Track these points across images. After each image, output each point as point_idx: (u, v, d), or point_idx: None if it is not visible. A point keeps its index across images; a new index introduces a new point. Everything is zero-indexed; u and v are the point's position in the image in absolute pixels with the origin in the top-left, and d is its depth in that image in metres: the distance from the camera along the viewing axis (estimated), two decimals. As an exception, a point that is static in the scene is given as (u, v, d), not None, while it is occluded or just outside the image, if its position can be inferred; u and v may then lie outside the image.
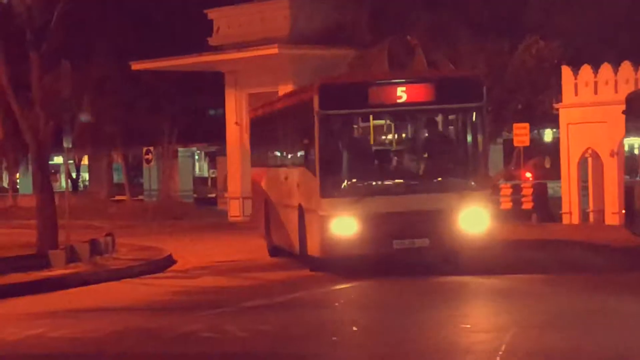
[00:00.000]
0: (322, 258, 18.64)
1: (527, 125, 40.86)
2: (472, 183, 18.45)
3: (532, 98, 41.87)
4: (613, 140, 33.89)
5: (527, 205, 38.72)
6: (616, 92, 34.50)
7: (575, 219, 37.17)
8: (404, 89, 18.08)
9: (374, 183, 18.82)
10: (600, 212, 36.20)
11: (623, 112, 27.97)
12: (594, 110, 36.12)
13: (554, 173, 41.85)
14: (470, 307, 15.81)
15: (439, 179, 18.80)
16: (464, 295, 16.71)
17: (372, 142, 20.56)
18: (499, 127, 43.95)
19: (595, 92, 36.23)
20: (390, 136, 20.94)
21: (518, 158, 43.71)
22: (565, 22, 41.86)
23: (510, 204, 39.25)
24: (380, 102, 18.67)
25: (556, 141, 43.22)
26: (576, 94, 37.28)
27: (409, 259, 19.45)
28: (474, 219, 17.88)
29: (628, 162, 31.07)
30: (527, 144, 41.88)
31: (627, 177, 29.88)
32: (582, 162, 37.46)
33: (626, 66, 35.19)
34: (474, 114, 18.68)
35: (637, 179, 28.21)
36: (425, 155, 19.12)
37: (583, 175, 37.67)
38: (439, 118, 20.08)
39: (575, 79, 37.18)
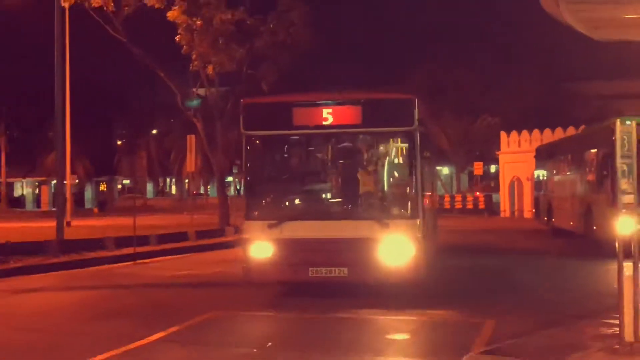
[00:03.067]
0: (246, 281, 13.92)
1: (481, 163, 50.52)
2: (399, 211, 13.41)
3: (485, 148, 51.32)
4: (528, 172, 38.78)
5: (481, 206, 46.84)
6: (530, 144, 40.88)
7: (507, 214, 44.89)
8: (329, 110, 13.40)
9: (293, 207, 14.23)
10: (521, 211, 43.34)
11: (534, 157, 34.35)
12: (518, 155, 42.83)
13: (497, 189, 48.77)
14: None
15: (362, 205, 13.89)
16: (353, 337, 10.74)
17: (295, 165, 14.86)
18: (467, 164, 53.38)
19: (519, 145, 43.53)
20: (315, 160, 14.95)
21: (476, 181, 52.02)
22: (502, 105, 49.18)
23: (472, 205, 47.54)
24: (304, 123, 13.72)
25: (497, 172, 49.38)
26: (508, 146, 45.01)
27: (327, 288, 13.54)
28: (396, 249, 12.77)
29: (536, 184, 35.01)
30: (481, 173, 50.99)
31: (536, 192, 34.90)
32: (512, 183, 44.70)
33: (536, 131, 42.34)
34: (405, 138, 13.63)
35: (541, 193, 32.70)
36: (350, 180, 14.05)
37: (512, 191, 44.94)
38: (367, 142, 14.56)
39: (508, 138, 44.91)
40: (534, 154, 35.26)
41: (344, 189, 14.08)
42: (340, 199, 14.13)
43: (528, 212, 40.56)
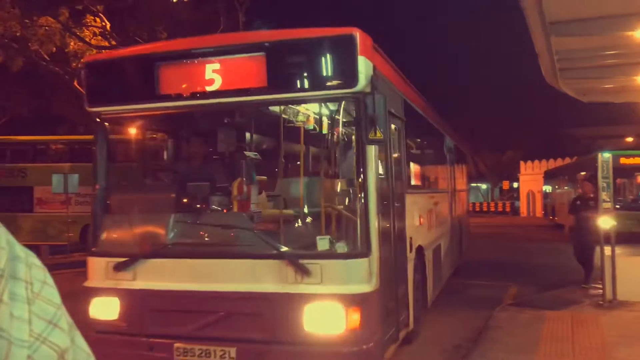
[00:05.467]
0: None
1: (508, 181, 48.49)
2: (333, 244, 4.43)
3: (511, 172, 48.07)
4: (539, 187, 38.27)
5: (508, 209, 44.82)
6: (540, 169, 39.35)
7: (525, 214, 42.79)
8: (215, 66, 4.55)
9: (156, 236, 5.01)
10: (534, 212, 41.41)
11: (542, 177, 35.07)
12: (531, 176, 41.37)
13: (518, 198, 46.54)
14: None
15: (269, 234, 4.82)
16: None
17: (165, 164, 6.17)
18: (499, 182, 50.48)
19: (532, 170, 42.06)
20: (196, 154, 5.75)
21: (504, 193, 49.82)
22: (521, 144, 46.36)
23: (501, 209, 45.21)
24: (175, 91, 4.73)
25: (518, 187, 46.93)
26: (525, 170, 43.37)
27: None
28: (325, 316, 4.27)
29: (544, 195, 35.13)
30: (508, 188, 48.83)
31: (544, 200, 34.96)
32: (528, 194, 43.13)
33: (544, 161, 40.37)
34: (348, 113, 4.88)
35: (548, 200, 32.52)
36: (251, 189, 5.27)
37: (528, 199, 43.31)
38: (280, 122, 5.63)
39: (525, 165, 43.50)
40: (542, 175, 35.43)
41: (242, 205, 5.47)
42: (232, 223, 5.22)
43: (539, 213, 39.06)
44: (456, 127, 14.28)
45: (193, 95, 4.94)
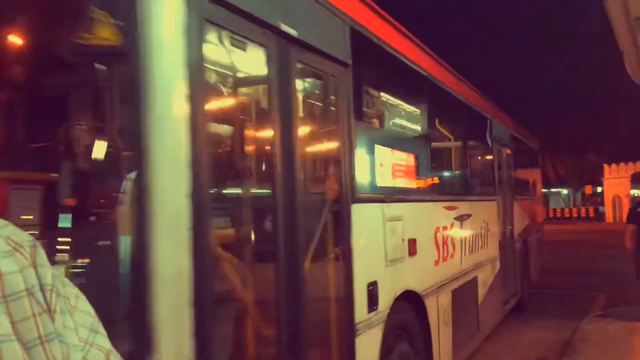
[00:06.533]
0: None
1: (590, 185, 48.30)
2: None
3: (593, 176, 46.56)
4: (625, 191, 37.65)
5: (591, 215, 44.08)
6: (626, 173, 38.29)
7: (611, 220, 40.93)
8: None
9: None
10: (621, 218, 35.75)
11: (629, 181, 34.60)
12: (616, 180, 40.49)
13: (602, 203, 44.83)
14: None
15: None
16: None
17: None
18: (580, 187, 49.55)
19: (618, 173, 40.76)
20: None
21: (587, 198, 49.51)
22: (603, 146, 44.92)
23: (585, 215, 44.42)
24: None
25: (602, 192, 45.60)
26: (609, 174, 42.08)
27: None
28: None
29: (632, 200, 31.08)
30: (590, 192, 48.81)
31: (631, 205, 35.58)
32: (613, 199, 41.73)
33: (630, 164, 39.63)
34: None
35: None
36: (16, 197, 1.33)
37: (614, 204, 41.60)
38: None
39: (609, 168, 42.20)
40: (629, 178, 34.84)
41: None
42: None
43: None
44: (534, 129, 13.09)
45: None
